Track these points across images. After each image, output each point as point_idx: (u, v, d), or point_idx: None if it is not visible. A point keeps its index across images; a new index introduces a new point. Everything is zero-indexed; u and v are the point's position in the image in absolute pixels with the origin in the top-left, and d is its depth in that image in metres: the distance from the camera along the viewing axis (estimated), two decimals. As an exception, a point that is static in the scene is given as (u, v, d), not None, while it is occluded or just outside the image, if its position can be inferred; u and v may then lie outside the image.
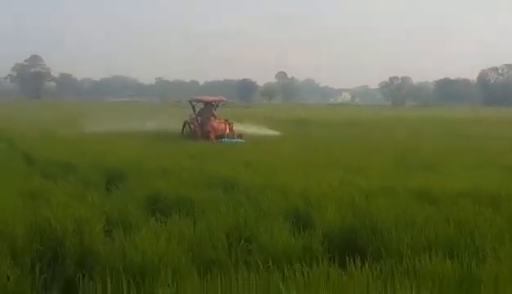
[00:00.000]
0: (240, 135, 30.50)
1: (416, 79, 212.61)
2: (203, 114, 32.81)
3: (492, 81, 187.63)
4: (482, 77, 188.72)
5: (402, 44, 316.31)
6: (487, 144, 26.80)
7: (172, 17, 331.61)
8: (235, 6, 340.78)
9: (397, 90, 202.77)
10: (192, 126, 32.23)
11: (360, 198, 10.83)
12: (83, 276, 7.17)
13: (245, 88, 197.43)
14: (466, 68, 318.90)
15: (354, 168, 16.26)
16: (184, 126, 33.01)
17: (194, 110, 33.65)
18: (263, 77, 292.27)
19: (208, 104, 34.00)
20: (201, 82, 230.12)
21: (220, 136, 30.24)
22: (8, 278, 6.60)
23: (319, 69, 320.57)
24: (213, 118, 32.36)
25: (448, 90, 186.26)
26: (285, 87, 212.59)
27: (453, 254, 7.49)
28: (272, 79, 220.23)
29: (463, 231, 8.32)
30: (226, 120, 32.32)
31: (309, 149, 22.78)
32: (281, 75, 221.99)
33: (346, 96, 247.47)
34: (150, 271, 6.86)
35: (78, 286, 7.35)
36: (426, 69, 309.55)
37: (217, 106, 34.46)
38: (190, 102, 34.47)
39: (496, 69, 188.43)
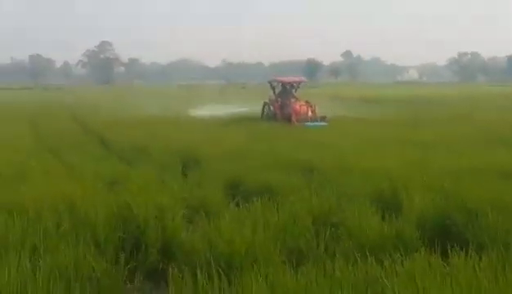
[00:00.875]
0: (323, 118, 27.86)
1: (487, 55, 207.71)
2: (283, 96, 30.53)
3: None
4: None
5: (467, 18, 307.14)
6: None
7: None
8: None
9: (466, 66, 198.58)
10: (272, 108, 30.18)
11: (448, 180, 10.34)
12: (167, 266, 6.98)
13: (311, 68, 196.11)
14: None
15: (434, 146, 15.68)
16: (263, 107, 30.98)
17: (274, 91, 31.41)
18: (329, 56, 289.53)
19: (287, 85, 31.50)
20: (266, 64, 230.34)
21: (303, 120, 27.60)
22: (93, 269, 6.40)
23: (385, 46, 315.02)
24: (293, 100, 30.04)
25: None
26: (351, 66, 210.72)
27: None
28: (338, 58, 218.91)
29: None
30: (307, 102, 29.85)
31: (385, 130, 22.11)
32: (347, 54, 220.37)
33: (413, 74, 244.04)
34: (238, 261, 6.57)
35: (162, 276, 7.18)
36: (497, 43, 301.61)
37: (297, 87, 31.79)
38: (270, 83, 32.06)
39: None
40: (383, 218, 8.23)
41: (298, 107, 29.07)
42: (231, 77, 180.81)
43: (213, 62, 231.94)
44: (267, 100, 30.92)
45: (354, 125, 24.70)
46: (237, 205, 9.49)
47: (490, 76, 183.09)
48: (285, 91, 30.83)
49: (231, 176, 11.92)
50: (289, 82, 31.70)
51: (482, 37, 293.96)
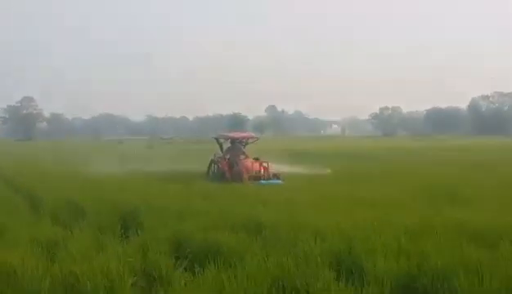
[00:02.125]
0: (276, 175, 25.87)
1: (406, 109, 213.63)
2: (232, 153, 28.32)
3: (484, 109, 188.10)
4: (473, 105, 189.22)
5: (390, 74, 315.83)
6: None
7: (159, 53, 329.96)
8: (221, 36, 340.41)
9: (387, 120, 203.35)
10: (220, 165, 27.54)
11: (405, 239, 10.05)
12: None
13: (236, 122, 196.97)
14: (456, 96, 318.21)
15: (381, 203, 15.40)
16: (210, 165, 28.42)
17: (221, 148, 29.12)
18: (253, 111, 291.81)
19: (236, 141, 29.26)
20: (191, 118, 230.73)
21: (256, 178, 25.57)
22: None
23: (307, 102, 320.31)
24: (243, 157, 27.90)
25: (439, 118, 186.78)
26: (276, 120, 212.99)
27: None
28: (262, 113, 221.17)
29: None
30: (257, 159, 27.55)
31: (326, 183, 21.85)
32: (271, 108, 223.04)
33: (336, 128, 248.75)
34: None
35: None
36: (416, 99, 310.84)
37: (246, 144, 29.41)
38: (217, 139, 29.75)
39: (487, 97, 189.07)
40: (347, 282, 7.85)
41: (249, 164, 27.00)
42: (157, 131, 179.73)
43: (137, 117, 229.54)
44: (213, 157, 28.62)
45: (299, 181, 24.16)
46: (185, 269, 9.00)
47: (409, 130, 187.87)
48: (234, 148, 28.79)
49: (175, 235, 11.33)
50: (239, 138, 29.72)
51: (403, 92, 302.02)
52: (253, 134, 33.58)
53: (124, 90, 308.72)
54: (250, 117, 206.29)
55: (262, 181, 24.97)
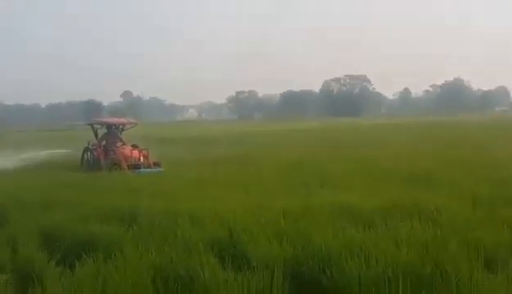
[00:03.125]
0: (156, 164, 24.24)
1: (262, 92, 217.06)
2: (108, 140, 26.22)
3: (335, 91, 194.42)
4: (326, 87, 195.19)
5: (246, 58, 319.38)
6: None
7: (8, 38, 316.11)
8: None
9: (243, 104, 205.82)
10: (96, 153, 25.46)
11: (285, 221, 10.01)
12: None
13: (91, 109, 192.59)
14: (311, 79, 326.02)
15: (252, 187, 15.32)
16: (84, 153, 26.22)
17: (96, 135, 26.83)
18: (109, 97, 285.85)
19: (113, 126, 27.13)
20: (43, 105, 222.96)
21: (135, 166, 23.74)
22: None
23: (163, 87, 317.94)
24: (120, 144, 25.91)
25: (293, 101, 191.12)
26: (132, 106, 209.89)
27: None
28: (118, 98, 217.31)
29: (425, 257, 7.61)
30: (135, 146, 25.73)
31: (193, 169, 21.54)
32: (127, 94, 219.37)
33: (193, 113, 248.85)
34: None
35: None
36: (271, 82, 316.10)
37: (122, 130, 27.27)
38: (92, 125, 27.38)
39: (338, 80, 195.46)
40: (233, 269, 7.68)
41: (127, 152, 25.04)
42: (4, 119, 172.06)
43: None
44: (87, 145, 26.36)
45: (179, 167, 23.53)
46: (58, 264, 8.51)
47: (264, 113, 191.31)
48: (111, 134, 26.63)
49: (46, 228, 10.73)
50: (115, 124, 27.47)
51: (258, 77, 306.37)
52: (131, 120, 30.55)
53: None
54: (105, 103, 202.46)
55: (143, 170, 23.23)
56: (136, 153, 25.05)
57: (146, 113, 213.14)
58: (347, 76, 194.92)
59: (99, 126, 27.54)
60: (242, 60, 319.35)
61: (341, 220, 10.18)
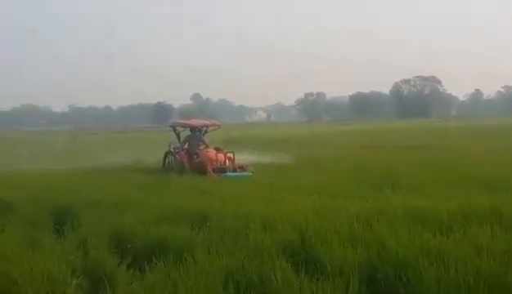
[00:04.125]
0: (241, 167, 22.89)
1: (331, 94, 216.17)
2: (190, 142, 25.01)
3: (405, 93, 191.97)
4: (396, 89, 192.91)
5: (315, 60, 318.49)
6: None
7: (80, 40, 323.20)
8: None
9: (312, 106, 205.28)
10: (178, 156, 24.36)
11: (357, 224, 9.72)
12: None
13: (161, 111, 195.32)
14: (380, 80, 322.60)
15: (324, 190, 15.03)
16: (165, 157, 25.17)
17: (178, 138, 25.52)
18: (178, 100, 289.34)
19: (196, 129, 25.79)
20: (115, 108, 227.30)
21: (221, 170, 22.55)
22: None
23: (232, 89, 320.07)
24: (203, 147, 24.62)
25: (362, 103, 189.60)
26: (201, 108, 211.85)
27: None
28: (187, 101, 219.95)
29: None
30: (218, 148, 24.66)
31: (270, 172, 21.22)
32: (196, 96, 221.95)
33: (261, 114, 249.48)
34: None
35: None
36: (339, 84, 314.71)
37: (205, 132, 26.01)
38: (173, 128, 26.20)
39: (408, 81, 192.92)
40: (306, 274, 7.44)
41: (212, 155, 23.69)
42: (81, 122, 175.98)
43: (59, 107, 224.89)
44: (171, 149, 25.19)
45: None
46: (128, 267, 8.45)
47: (334, 115, 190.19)
48: (193, 137, 25.35)
49: (116, 231, 10.71)
50: (198, 126, 26.11)
51: (328, 79, 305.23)
52: (215, 121, 28.77)
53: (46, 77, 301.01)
54: (175, 105, 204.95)
55: (230, 174, 21.89)
56: (221, 156, 23.81)
57: (215, 114, 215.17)
58: (417, 77, 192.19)
59: (181, 129, 26.22)
60: (309, 61, 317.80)
61: (416, 225, 9.82)
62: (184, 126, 26.51)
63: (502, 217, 10.30)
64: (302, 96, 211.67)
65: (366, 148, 34.12)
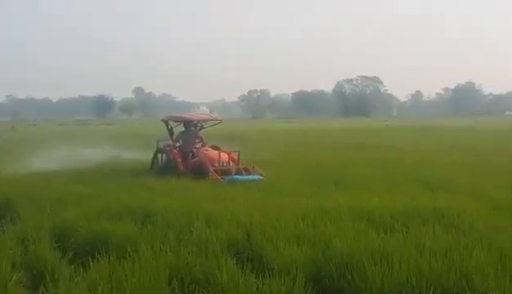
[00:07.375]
0: (246, 169, 19.49)
1: (274, 92, 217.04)
2: (185, 139, 21.57)
3: (348, 92, 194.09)
4: (338, 88, 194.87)
5: (258, 58, 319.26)
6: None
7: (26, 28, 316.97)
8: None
9: (256, 103, 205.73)
10: (171, 155, 20.70)
11: (302, 223, 9.76)
12: None
13: (102, 104, 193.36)
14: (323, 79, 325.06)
15: (270, 188, 15.10)
16: (155, 155, 21.54)
17: (171, 134, 22.13)
18: (120, 93, 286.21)
19: (190, 124, 22.06)
20: (55, 99, 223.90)
21: (224, 172, 19.15)
22: None
23: (175, 84, 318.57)
24: (200, 145, 21.39)
25: (305, 101, 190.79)
26: (143, 103, 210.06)
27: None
28: (129, 94, 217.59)
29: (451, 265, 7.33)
30: (215, 147, 21.21)
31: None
32: (138, 90, 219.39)
33: (204, 110, 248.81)
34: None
35: None
36: (283, 82, 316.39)
37: (201, 128, 22.21)
38: (166, 122, 22.34)
39: (350, 81, 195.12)
40: (251, 272, 7.44)
41: (214, 154, 20.26)
42: (19, 113, 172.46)
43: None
44: (160, 145, 21.65)
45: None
46: (70, 262, 8.43)
47: (277, 112, 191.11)
48: (189, 134, 21.73)
49: (58, 225, 10.55)
50: (196, 121, 22.36)
51: (272, 77, 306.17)
52: (215, 115, 25.56)
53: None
54: (117, 99, 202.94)
55: (237, 177, 18.35)
56: (225, 155, 20.33)
57: (158, 109, 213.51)
58: (359, 77, 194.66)
59: (175, 124, 22.64)
60: (255, 59, 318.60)
61: (360, 224, 9.90)
62: (178, 120, 22.62)
63: (443, 217, 10.47)
64: (245, 93, 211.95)
65: (313, 146, 34.27)
